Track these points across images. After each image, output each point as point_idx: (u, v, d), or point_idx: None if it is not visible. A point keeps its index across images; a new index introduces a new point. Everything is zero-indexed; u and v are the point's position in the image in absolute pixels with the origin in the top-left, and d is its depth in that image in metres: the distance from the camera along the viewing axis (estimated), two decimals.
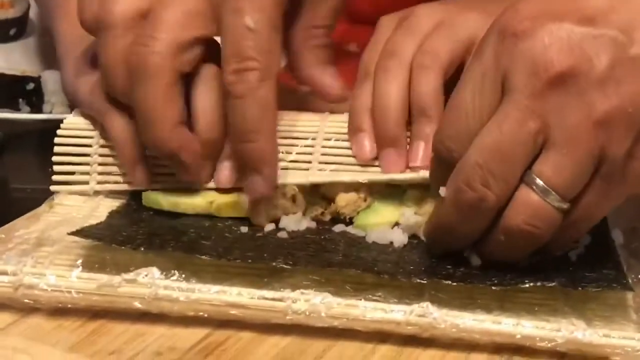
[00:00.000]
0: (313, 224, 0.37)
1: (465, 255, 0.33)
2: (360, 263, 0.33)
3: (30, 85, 0.54)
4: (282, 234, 0.36)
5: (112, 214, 0.37)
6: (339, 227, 0.37)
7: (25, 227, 0.37)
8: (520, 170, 0.30)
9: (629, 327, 0.31)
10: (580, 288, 0.31)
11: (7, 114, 0.54)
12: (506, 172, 0.30)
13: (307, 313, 0.30)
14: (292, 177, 0.37)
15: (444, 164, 0.32)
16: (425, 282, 0.31)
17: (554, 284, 0.31)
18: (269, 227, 0.37)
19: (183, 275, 0.32)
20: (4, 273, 0.32)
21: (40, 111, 0.54)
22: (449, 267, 0.33)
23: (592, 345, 0.29)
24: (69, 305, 0.32)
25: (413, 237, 0.36)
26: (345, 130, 0.39)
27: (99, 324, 0.32)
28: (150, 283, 0.31)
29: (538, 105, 0.29)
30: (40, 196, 0.40)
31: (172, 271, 0.32)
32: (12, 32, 0.63)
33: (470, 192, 0.30)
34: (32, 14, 0.66)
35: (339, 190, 0.38)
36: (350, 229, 0.37)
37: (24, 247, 0.35)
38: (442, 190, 0.32)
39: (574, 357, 0.30)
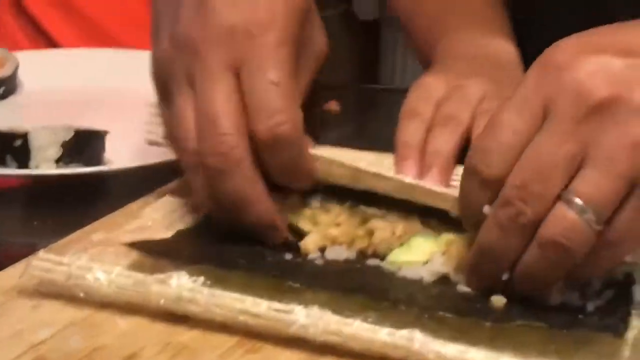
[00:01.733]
0: (353, 255, 0.41)
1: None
2: (370, 289, 0.36)
3: (17, 142, 0.54)
4: (319, 261, 0.40)
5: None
6: (373, 261, 0.40)
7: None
8: (558, 189, 0.32)
9: None
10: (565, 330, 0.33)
11: None
12: (544, 190, 0.32)
13: (307, 327, 0.33)
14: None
15: (478, 177, 0.34)
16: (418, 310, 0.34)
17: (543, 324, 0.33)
18: (314, 255, 0.40)
19: (208, 282, 0.36)
20: (60, 263, 0.37)
21: (27, 167, 0.54)
22: (459, 301, 0.35)
23: None
24: (110, 299, 0.36)
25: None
26: None
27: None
28: (178, 285, 0.35)
29: (579, 130, 0.32)
30: (25, 251, 0.41)
31: (199, 277, 0.36)
32: (1, 90, 0.69)
33: (509, 207, 0.33)
34: (20, 73, 0.70)
35: (379, 225, 0.41)
36: (384, 264, 0.40)
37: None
38: (487, 208, 0.34)
39: None
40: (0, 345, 0.33)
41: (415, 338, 0.32)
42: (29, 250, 0.41)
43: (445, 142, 0.44)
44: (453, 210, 0.39)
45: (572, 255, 0.32)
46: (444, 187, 0.42)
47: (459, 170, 0.41)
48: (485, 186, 0.34)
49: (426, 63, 0.59)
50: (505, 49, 0.56)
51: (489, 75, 0.49)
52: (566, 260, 0.33)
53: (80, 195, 0.53)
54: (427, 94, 0.47)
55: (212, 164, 0.38)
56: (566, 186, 0.32)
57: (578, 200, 0.32)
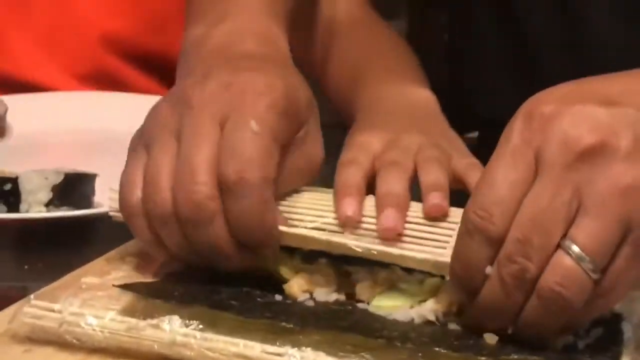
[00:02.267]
0: (342, 297, 0.41)
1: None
2: (363, 329, 0.37)
3: (8, 186, 0.55)
4: (309, 303, 0.40)
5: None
6: (362, 305, 0.41)
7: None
8: (557, 238, 0.33)
9: None
10: None
11: None
12: (545, 242, 0.33)
13: None
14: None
15: (478, 235, 0.34)
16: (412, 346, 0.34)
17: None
18: (303, 297, 0.40)
19: (200, 326, 0.36)
20: (52, 310, 0.37)
21: (17, 210, 0.54)
22: (452, 338, 0.36)
23: None
24: (103, 345, 0.36)
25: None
26: None
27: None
28: (171, 329, 0.35)
29: (570, 177, 0.33)
30: (16, 294, 0.42)
31: (192, 321, 0.36)
32: None
33: (512, 265, 0.33)
34: (9, 116, 0.70)
35: (361, 275, 0.41)
36: (372, 308, 0.40)
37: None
38: (489, 269, 0.34)
39: None
40: None
41: None
42: (20, 293, 0.41)
43: (396, 182, 0.44)
44: (436, 270, 0.39)
45: (571, 304, 0.33)
46: (410, 240, 0.41)
47: (415, 206, 0.43)
48: (489, 244, 0.34)
49: (347, 115, 0.60)
50: (424, 96, 0.58)
51: (417, 127, 0.51)
52: (566, 309, 0.33)
53: (70, 237, 0.53)
54: (363, 148, 0.48)
55: (186, 213, 0.38)
56: (565, 234, 0.33)
57: (576, 248, 0.33)
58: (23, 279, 0.46)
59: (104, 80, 0.80)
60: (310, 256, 0.43)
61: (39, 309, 0.37)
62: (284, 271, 0.42)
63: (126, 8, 0.79)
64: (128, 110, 0.69)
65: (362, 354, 0.34)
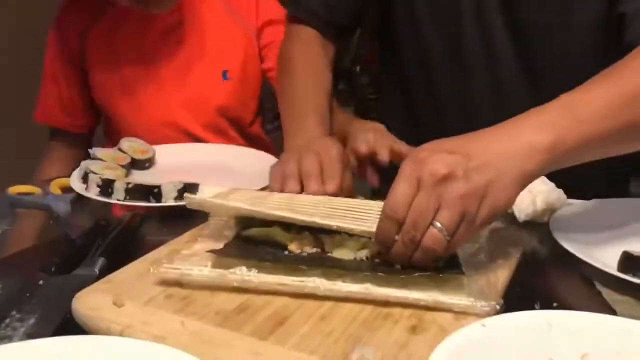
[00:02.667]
0: (319, 250, 0.65)
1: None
2: (334, 264, 0.62)
3: (155, 190, 0.87)
4: (304, 254, 0.65)
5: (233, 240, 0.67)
6: (330, 254, 0.65)
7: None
8: (429, 220, 0.57)
9: (464, 295, 0.57)
10: (440, 274, 0.58)
11: None
12: (424, 222, 0.58)
13: (314, 288, 0.58)
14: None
15: (390, 221, 0.59)
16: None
17: (428, 273, 0.58)
18: (298, 251, 0.65)
19: (256, 270, 0.59)
20: (176, 269, 0.60)
21: (160, 202, 0.87)
22: (377, 266, 0.61)
23: (444, 303, 0.56)
24: (206, 284, 0.59)
25: None
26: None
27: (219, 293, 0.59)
28: (241, 274, 0.59)
29: (435, 190, 0.57)
30: (159, 244, 0.68)
31: (252, 269, 0.60)
32: (147, 164, 1.06)
33: (408, 234, 0.58)
34: (157, 155, 1.09)
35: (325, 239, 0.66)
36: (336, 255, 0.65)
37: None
38: (397, 237, 0.59)
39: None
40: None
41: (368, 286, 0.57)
42: (161, 243, 0.69)
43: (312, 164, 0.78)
44: (367, 235, 0.63)
45: (436, 252, 0.58)
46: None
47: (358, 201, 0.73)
48: (396, 225, 0.59)
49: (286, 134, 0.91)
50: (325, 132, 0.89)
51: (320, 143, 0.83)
52: (434, 254, 0.59)
53: (185, 215, 0.77)
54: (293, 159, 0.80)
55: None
56: (433, 219, 0.58)
57: (438, 225, 0.57)
58: (162, 236, 0.72)
59: (215, 130, 1.29)
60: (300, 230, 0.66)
61: (168, 268, 0.61)
62: (285, 237, 0.66)
63: (230, 92, 1.28)
64: (223, 153, 1.13)
65: (340, 277, 0.59)
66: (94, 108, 1.32)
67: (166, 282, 0.60)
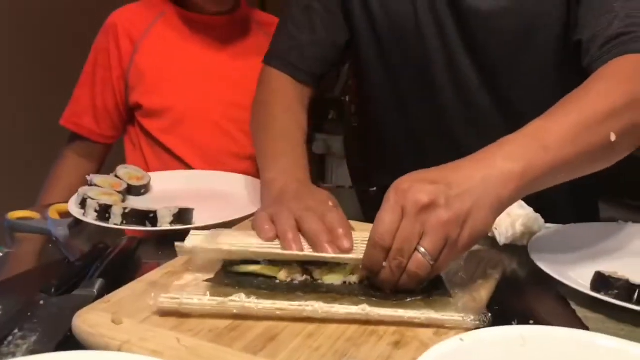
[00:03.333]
0: (309, 278, 0.68)
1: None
2: (326, 289, 0.65)
3: (151, 215, 0.89)
4: (296, 282, 0.67)
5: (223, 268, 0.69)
6: (320, 281, 0.67)
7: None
8: (414, 247, 0.61)
9: (453, 311, 0.61)
10: (430, 297, 0.62)
11: None
12: (409, 249, 0.61)
13: (304, 313, 0.60)
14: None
15: (378, 248, 0.62)
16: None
17: (419, 297, 0.62)
18: (288, 280, 0.67)
19: (254, 297, 0.61)
20: (175, 298, 0.61)
21: (155, 226, 0.89)
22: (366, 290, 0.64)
23: (437, 320, 0.60)
24: (204, 312, 0.61)
25: None
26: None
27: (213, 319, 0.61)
28: (241, 300, 0.61)
29: (419, 218, 0.61)
30: (155, 266, 0.71)
31: (250, 295, 0.62)
32: (142, 190, 1.08)
33: (395, 261, 0.61)
34: (152, 182, 1.10)
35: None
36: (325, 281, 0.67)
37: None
38: (384, 263, 0.62)
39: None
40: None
41: (365, 307, 0.60)
42: (156, 265, 0.73)
43: (316, 222, 0.72)
44: (354, 263, 0.66)
45: (421, 276, 0.62)
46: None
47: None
48: (383, 252, 0.62)
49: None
50: (306, 178, 0.88)
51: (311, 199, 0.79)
52: (418, 279, 0.62)
53: (180, 239, 0.76)
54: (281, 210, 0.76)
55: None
56: (417, 245, 0.61)
57: (423, 250, 0.61)
58: (158, 259, 0.77)
59: (214, 160, 1.29)
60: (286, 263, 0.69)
61: (168, 299, 0.61)
62: (272, 270, 0.68)
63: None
64: (218, 180, 1.15)
65: (336, 301, 0.62)
66: (123, 120, 1.34)
67: (166, 312, 0.61)
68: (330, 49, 1.06)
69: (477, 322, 0.59)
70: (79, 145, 1.34)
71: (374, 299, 0.62)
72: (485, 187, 0.63)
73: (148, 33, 1.30)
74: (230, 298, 0.61)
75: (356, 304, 0.61)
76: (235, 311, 0.61)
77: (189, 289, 0.66)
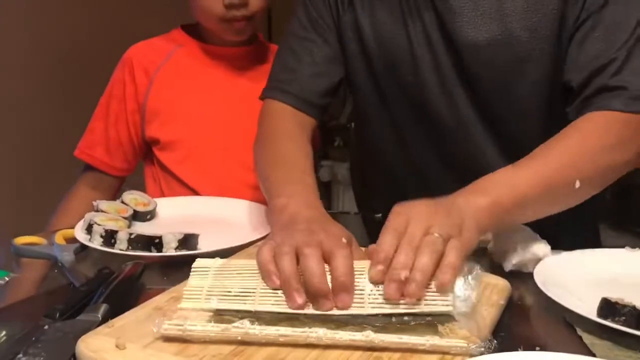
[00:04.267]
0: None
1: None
2: (335, 319, 0.64)
3: (157, 240, 0.90)
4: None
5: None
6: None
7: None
8: (411, 263, 0.64)
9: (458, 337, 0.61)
10: (435, 322, 0.61)
11: None
12: (408, 261, 0.64)
13: (308, 340, 0.60)
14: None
15: (382, 264, 0.64)
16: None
17: (423, 321, 0.62)
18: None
19: (258, 323, 0.61)
20: (179, 325, 0.61)
21: (161, 252, 0.90)
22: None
23: (442, 347, 0.59)
24: (208, 339, 0.61)
25: None
26: None
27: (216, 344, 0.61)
28: (244, 326, 0.61)
29: (416, 240, 0.66)
30: (159, 292, 0.71)
31: (255, 322, 0.61)
32: (148, 216, 1.09)
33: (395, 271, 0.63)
34: (158, 208, 1.13)
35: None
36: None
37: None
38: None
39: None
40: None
41: (369, 334, 0.60)
42: (161, 291, 0.72)
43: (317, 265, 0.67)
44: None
45: (419, 294, 0.63)
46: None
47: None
48: (384, 267, 0.65)
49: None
50: (318, 204, 0.83)
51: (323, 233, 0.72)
52: (418, 296, 0.63)
53: (187, 263, 0.76)
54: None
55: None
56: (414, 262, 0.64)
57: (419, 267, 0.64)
58: (163, 284, 0.76)
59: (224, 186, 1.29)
60: None
61: (172, 325, 0.61)
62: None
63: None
64: (223, 205, 1.16)
65: (339, 327, 0.62)
66: (136, 154, 1.35)
67: (170, 339, 0.61)
68: (330, 81, 1.06)
69: (483, 349, 0.59)
70: (91, 176, 1.35)
71: (378, 324, 0.62)
72: (468, 214, 0.72)
73: (163, 66, 1.32)
74: (234, 324, 0.61)
75: (360, 330, 0.61)
76: (239, 338, 0.61)
77: (193, 314, 0.66)
